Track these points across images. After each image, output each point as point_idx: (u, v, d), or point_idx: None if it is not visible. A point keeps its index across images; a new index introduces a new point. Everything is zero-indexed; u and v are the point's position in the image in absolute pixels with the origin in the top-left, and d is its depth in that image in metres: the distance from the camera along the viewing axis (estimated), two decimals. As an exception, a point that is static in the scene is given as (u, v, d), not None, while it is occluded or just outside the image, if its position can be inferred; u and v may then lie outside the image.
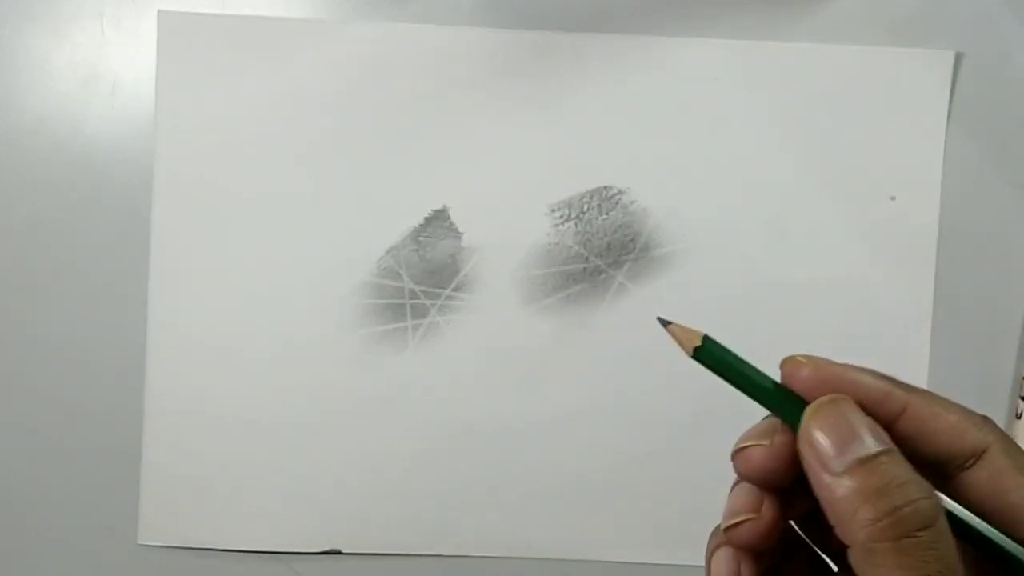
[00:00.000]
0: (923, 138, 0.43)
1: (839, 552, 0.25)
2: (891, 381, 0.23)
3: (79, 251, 0.43)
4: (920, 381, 0.43)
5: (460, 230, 0.43)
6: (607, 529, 0.44)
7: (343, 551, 0.44)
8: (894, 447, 0.21)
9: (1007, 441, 0.22)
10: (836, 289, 0.43)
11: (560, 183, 0.43)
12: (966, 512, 0.22)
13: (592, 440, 0.43)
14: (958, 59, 0.43)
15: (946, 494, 0.23)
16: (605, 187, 0.43)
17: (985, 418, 0.23)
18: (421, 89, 0.43)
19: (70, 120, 0.43)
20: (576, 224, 0.43)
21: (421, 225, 0.43)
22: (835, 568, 0.25)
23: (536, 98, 0.43)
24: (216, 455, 0.43)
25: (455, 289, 0.43)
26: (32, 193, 0.43)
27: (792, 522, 0.25)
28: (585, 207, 0.43)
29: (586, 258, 0.43)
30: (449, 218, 0.43)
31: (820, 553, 0.25)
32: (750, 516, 0.23)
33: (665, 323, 0.24)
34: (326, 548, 0.44)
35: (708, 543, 0.24)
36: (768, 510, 0.23)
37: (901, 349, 0.44)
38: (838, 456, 0.21)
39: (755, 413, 0.24)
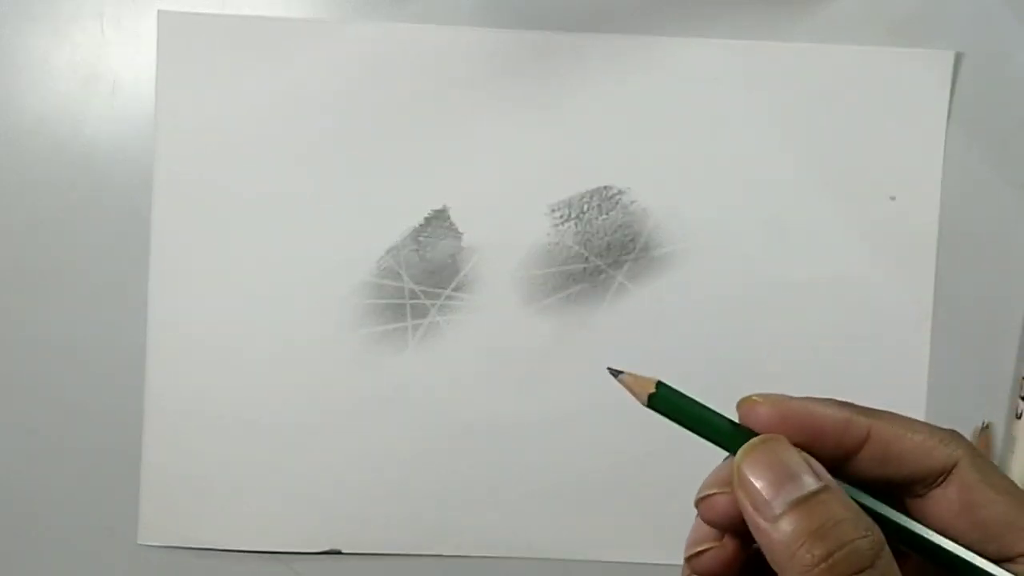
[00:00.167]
0: (923, 138, 0.43)
1: None
2: (851, 408, 0.22)
3: (79, 251, 0.43)
4: (920, 381, 0.43)
5: (460, 230, 0.43)
6: (607, 529, 0.44)
7: (343, 551, 0.44)
8: (832, 482, 0.21)
9: (975, 455, 0.22)
10: (836, 289, 0.43)
11: (560, 183, 0.43)
12: (930, 531, 0.21)
13: (592, 440, 0.43)
14: (958, 59, 0.43)
15: (918, 513, 0.22)
16: (605, 187, 0.43)
17: (953, 432, 0.23)
18: (421, 89, 0.43)
19: (70, 120, 0.43)
20: (576, 224, 0.43)
21: (421, 225, 0.43)
22: None
23: (536, 98, 0.43)
24: (216, 455, 0.43)
25: (455, 289, 0.43)
26: (32, 193, 0.43)
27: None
28: (585, 207, 0.43)
29: (586, 258, 0.43)
30: (449, 218, 0.43)
31: None
32: (712, 545, 0.23)
33: (615, 373, 0.23)
34: (326, 548, 0.44)
35: (682, 569, 0.24)
36: (731, 539, 0.23)
37: (901, 349, 0.44)
38: (773, 498, 0.20)
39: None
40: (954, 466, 0.22)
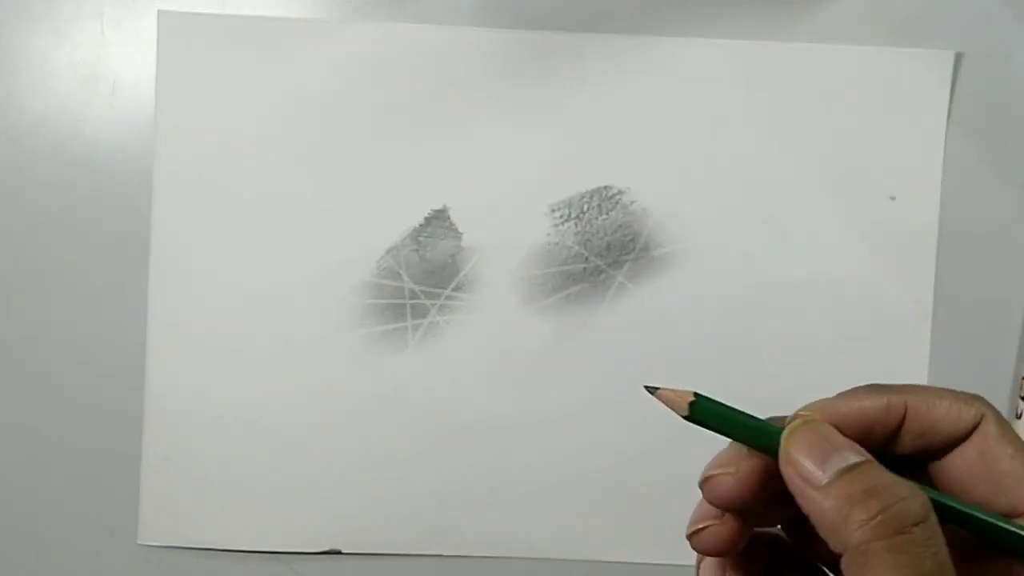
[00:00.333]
0: (923, 138, 0.43)
1: (826, 564, 0.25)
2: (884, 389, 0.23)
3: (79, 251, 0.43)
4: (920, 381, 0.43)
5: (460, 230, 0.43)
6: (607, 529, 0.44)
7: (343, 551, 0.44)
8: (872, 458, 0.21)
9: (997, 414, 0.23)
10: (836, 289, 0.43)
11: (560, 183, 0.43)
12: (959, 501, 0.22)
13: (592, 440, 0.43)
14: (958, 59, 0.43)
15: (935, 470, 0.23)
16: (605, 187, 0.43)
17: (976, 396, 0.23)
18: (421, 89, 0.43)
19: (70, 120, 0.43)
20: (576, 224, 0.43)
21: (421, 225, 0.43)
22: (830, 574, 0.25)
23: (536, 98, 0.43)
24: (216, 455, 0.43)
25: (455, 289, 0.43)
26: (32, 193, 0.43)
27: (782, 530, 0.25)
28: (585, 207, 0.43)
29: (586, 258, 0.43)
30: (449, 218, 0.43)
31: (818, 562, 0.25)
32: (712, 522, 0.23)
33: (652, 390, 0.23)
34: (326, 548, 0.44)
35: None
36: (731, 517, 0.23)
37: (901, 349, 0.44)
38: (821, 470, 0.21)
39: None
40: (977, 424, 0.23)
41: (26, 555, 0.44)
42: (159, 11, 0.43)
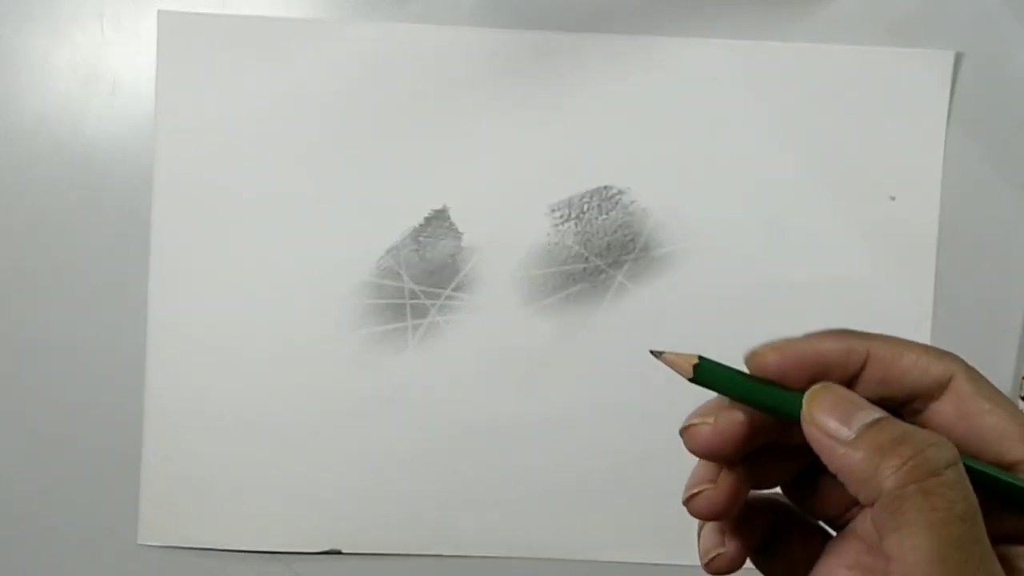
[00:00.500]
0: (923, 138, 0.43)
1: (828, 522, 0.25)
2: (849, 335, 0.23)
3: (79, 251, 0.43)
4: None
5: (460, 230, 0.43)
6: (607, 529, 0.44)
7: (343, 551, 0.44)
8: (890, 416, 0.21)
9: (969, 369, 0.23)
10: (836, 289, 0.43)
11: (560, 183, 0.43)
12: (970, 459, 0.22)
13: (592, 440, 0.43)
14: (958, 59, 0.43)
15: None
16: (605, 187, 0.43)
17: (948, 352, 0.23)
18: (421, 89, 0.43)
19: (70, 120, 0.43)
20: (576, 224, 0.43)
21: (421, 225, 0.43)
22: (834, 533, 0.25)
23: (536, 98, 0.43)
24: (216, 455, 0.43)
25: (455, 289, 0.43)
26: (32, 193, 0.43)
27: (782, 492, 0.25)
28: (585, 207, 0.43)
29: (586, 258, 0.43)
30: (449, 218, 0.43)
31: (822, 522, 0.25)
32: (707, 486, 0.23)
33: (657, 354, 0.24)
34: (326, 548, 0.44)
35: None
36: (725, 480, 0.23)
37: (901, 349, 0.44)
38: (847, 427, 0.21)
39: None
40: (949, 380, 0.23)
41: (26, 555, 0.44)
42: (159, 11, 0.43)
